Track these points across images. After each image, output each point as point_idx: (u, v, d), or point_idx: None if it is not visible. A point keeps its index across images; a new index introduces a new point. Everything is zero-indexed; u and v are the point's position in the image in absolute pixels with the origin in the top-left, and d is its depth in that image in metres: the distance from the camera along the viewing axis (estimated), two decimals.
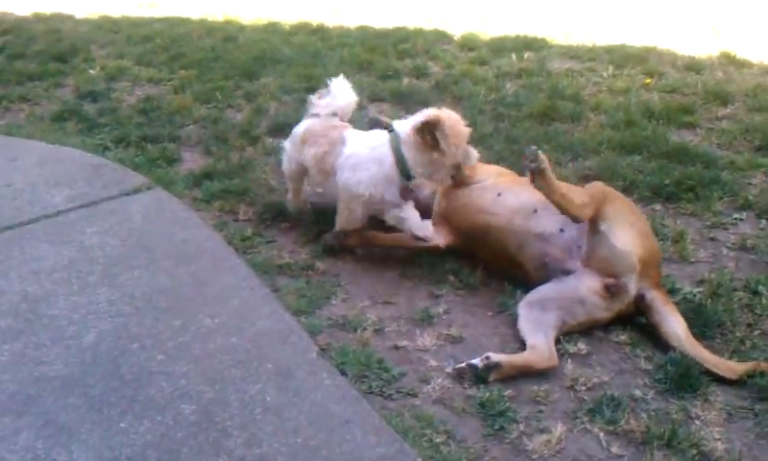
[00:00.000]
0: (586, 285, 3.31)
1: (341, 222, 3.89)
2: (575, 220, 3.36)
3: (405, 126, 3.70)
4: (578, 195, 3.39)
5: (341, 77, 4.18)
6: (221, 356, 3.11)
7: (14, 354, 3.13)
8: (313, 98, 4.22)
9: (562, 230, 3.49)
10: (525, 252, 3.57)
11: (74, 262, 3.77)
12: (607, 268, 3.29)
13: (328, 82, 4.17)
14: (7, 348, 3.17)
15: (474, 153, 3.76)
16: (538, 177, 3.30)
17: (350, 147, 3.81)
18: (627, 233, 3.31)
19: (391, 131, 3.77)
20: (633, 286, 3.28)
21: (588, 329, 3.33)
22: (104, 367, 3.05)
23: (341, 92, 4.13)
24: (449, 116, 3.66)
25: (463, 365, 3.07)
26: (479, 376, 3.03)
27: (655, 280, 3.35)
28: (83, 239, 3.98)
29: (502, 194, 3.75)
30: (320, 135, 3.96)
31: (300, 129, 4.13)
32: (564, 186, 3.38)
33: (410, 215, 3.77)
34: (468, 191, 3.87)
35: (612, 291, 3.28)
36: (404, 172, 3.69)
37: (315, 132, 4.00)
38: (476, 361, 3.05)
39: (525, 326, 3.28)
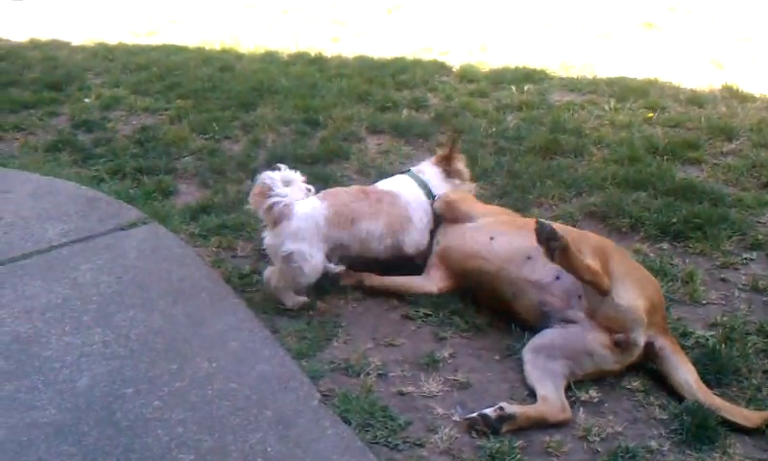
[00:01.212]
0: (594, 338, 3.20)
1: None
2: (603, 294, 3.20)
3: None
4: (591, 260, 3.25)
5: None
6: (219, 402, 2.99)
7: (5, 398, 3.02)
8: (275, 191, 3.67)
9: (558, 278, 3.38)
10: (521, 300, 3.47)
11: (67, 301, 3.65)
12: (614, 325, 3.19)
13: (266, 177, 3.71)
14: None
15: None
16: (559, 256, 3.15)
17: (413, 200, 3.91)
18: (630, 288, 3.21)
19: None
20: (641, 338, 3.18)
21: (597, 379, 3.23)
22: (98, 413, 2.94)
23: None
24: None
25: (475, 416, 2.94)
26: (492, 427, 2.91)
27: (661, 326, 3.26)
28: (76, 276, 3.87)
29: (495, 238, 3.64)
30: (365, 206, 3.77)
31: (317, 213, 3.67)
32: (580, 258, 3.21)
33: None
34: (462, 232, 3.80)
35: (621, 346, 3.17)
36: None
37: (347, 205, 3.75)
38: (489, 412, 2.93)
39: (533, 374, 3.17)
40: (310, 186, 3.74)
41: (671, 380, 3.15)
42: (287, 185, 3.62)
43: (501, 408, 2.94)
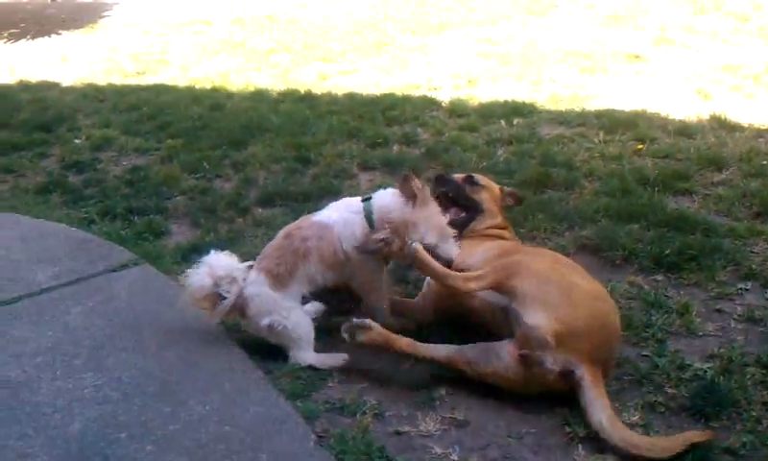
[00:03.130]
0: (506, 344, 3.26)
1: None
2: (456, 292, 3.45)
3: None
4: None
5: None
6: (214, 446, 2.95)
7: None
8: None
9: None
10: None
11: (58, 344, 3.62)
12: (524, 341, 3.20)
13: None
14: None
15: None
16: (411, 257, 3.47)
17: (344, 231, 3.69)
18: (541, 310, 3.18)
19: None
20: (548, 360, 3.14)
21: (497, 385, 3.27)
22: (91, 459, 2.90)
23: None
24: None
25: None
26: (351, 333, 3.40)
27: (588, 356, 3.15)
28: (67, 319, 3.83)
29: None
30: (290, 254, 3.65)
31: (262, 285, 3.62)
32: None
33: None
34: None
35: (526, 361, 3.17)
36: None
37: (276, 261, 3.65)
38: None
39: None
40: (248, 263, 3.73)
41: (586, 416, 3.07)
42: (227, 280, 3.60)
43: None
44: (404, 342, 3.40)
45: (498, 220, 4.19)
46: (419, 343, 3.41)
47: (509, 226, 4.27)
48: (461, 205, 4.15)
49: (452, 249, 3.62)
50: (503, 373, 3.23)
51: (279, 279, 3.57)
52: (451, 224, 3.77)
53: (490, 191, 4.27)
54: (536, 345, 3.15)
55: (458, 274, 3.46)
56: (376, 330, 3.40)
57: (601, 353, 3.21)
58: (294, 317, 3.58)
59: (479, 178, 4.33)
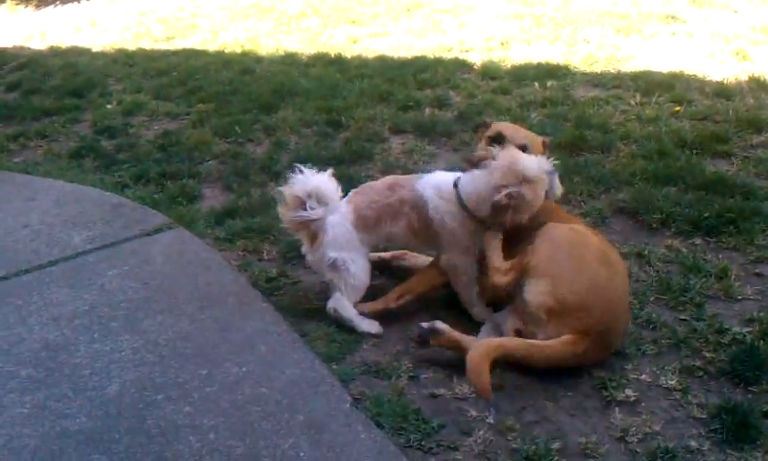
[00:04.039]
0: (508, 318, 3.30)
1: None
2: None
3: None
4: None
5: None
6: (250, 408, 2.97)
7: (36, 407, 3.02)
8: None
9: None
10: None
11: (95, 307, 3.65)
12: (521, 316, 3.23)
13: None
14: (28, 399, 3.06)
15: None
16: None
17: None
18: (540, 285, 3.17)
19: None
20: (540, 336, 3.14)
21: None
22: (128, 420, 2.92)
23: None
24: None
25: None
26: (422, 337, 3.30)
27: (587, 328, 3.11)
28: (103, 282, 3.86)
29: None
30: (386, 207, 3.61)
31: (345, 220, 3.59)
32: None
33: None
34: None
35: (520, 335, 3.21)
36: None
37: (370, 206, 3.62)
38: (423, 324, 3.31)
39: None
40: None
41: None
42: (317, 197, 3.53)
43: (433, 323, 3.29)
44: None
45: None
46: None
47: None
48: None
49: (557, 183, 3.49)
50: None
51: (364, 222, 3.54)
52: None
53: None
54: (529, 320, 3.17)
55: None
56: (446, 335, 3.30)
57: (603, 325, 3.14)
58: (360, 264, 3.55)
59: (522, 135, 3.87)
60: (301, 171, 3.54)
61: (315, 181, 3.54)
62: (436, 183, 3.59)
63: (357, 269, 3.53)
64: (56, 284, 3.86)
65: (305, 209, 3.51)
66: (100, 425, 2.90)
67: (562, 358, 3.11)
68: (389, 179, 3.80)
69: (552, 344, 3.11)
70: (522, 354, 3.13)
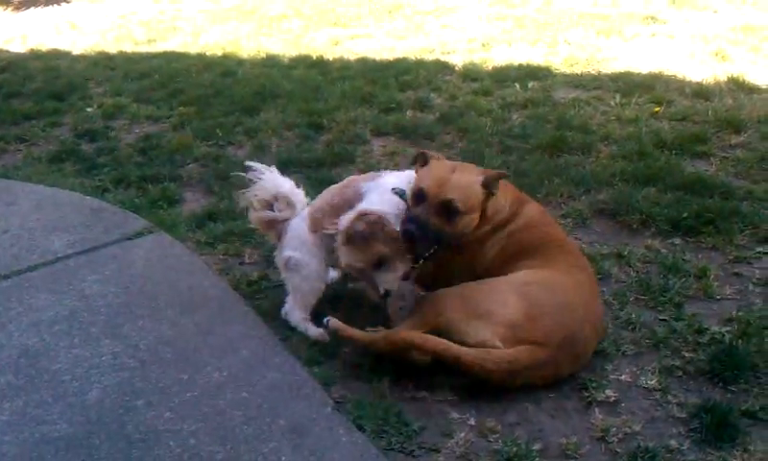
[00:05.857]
0: None
1: None
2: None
3: None
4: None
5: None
6: (231, 412, 2.96)
7: (15, 413, 2.99)
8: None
9: None
10: None
11: (75, 313, 3.62)
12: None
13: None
14: (7, 406, 3.04)
15: None
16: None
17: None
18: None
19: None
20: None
21: None
22: (109, 426, 2.91)
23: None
24: None
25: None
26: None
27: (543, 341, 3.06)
28: (83, 287, 3.84)
29: None
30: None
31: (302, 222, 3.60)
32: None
33: None
34: None
35: None
36: None
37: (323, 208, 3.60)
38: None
39: None
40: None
41: None
42: (286, 201, 3.58)
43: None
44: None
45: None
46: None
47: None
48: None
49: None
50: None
51: (315, 224, 3.53)
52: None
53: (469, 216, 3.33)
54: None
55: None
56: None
57: (558, 335, 3.07)
58: (311, 268, 3.52)
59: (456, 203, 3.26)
60: (262, 173, 3.59)
61: (284, 186, 3.60)
62: (381, 184, 3.52)
63: (309, 271, 3.52)
64: (36, 289, 3.83)
65: (272, 210, 3.58)
66: (80, 432, 2.88)
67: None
68: (346, 179, 3.76)
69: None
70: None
